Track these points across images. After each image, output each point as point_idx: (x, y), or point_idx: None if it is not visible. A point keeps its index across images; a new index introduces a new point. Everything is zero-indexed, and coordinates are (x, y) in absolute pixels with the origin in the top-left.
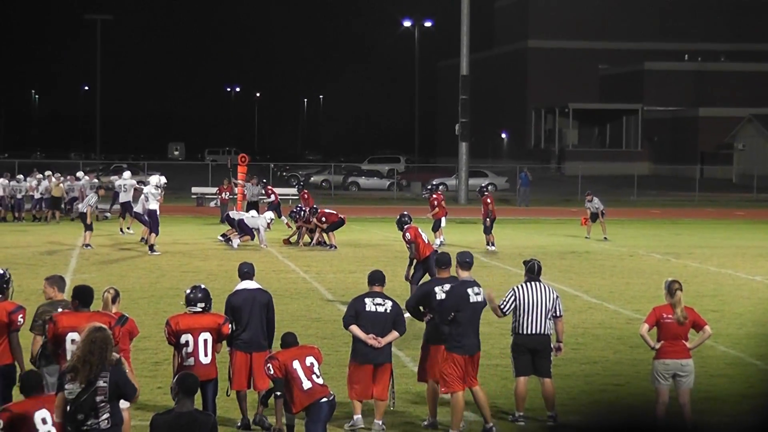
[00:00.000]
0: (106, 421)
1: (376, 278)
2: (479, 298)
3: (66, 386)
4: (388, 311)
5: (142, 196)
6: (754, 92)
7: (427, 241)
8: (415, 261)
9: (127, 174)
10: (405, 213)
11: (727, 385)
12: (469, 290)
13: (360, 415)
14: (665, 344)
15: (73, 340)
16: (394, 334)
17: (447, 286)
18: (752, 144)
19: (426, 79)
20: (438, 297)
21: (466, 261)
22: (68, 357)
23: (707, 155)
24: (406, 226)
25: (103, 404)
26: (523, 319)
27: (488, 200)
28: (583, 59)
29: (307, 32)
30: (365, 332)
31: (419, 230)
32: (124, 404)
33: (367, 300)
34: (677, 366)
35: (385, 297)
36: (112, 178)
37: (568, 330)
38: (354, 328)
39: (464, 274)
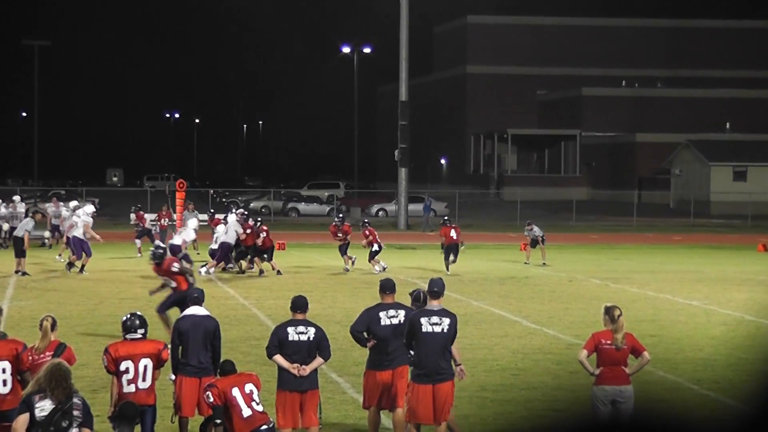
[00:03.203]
0: None
1: (298, 305)
2: (437, 329)
3: (36, 405)
4: (311, 338)
5: (74, 220)
6: (690, 118)
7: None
8: None
9: (73, 203)
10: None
11: (666, 410)
12: (423, 319)
13: None
14: (604, 370)
15: None
16: (319, 360)
17: (392, 311)
18: (689, 169)
19: (365, 105)
20: (382, 323)
21: (433, 290)
22: None
23: (645, 180)
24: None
25: (78, 418)
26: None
27: (366, 232)
28: (522, 85)
29: (245, 57)
30: (290, 361)
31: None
32: None
33: (290, 329)
34: (616, 392)
35: (308, 324)
36: (47, 205)
37: (507, 355)
38: (278, 357)
39: (432, 303)
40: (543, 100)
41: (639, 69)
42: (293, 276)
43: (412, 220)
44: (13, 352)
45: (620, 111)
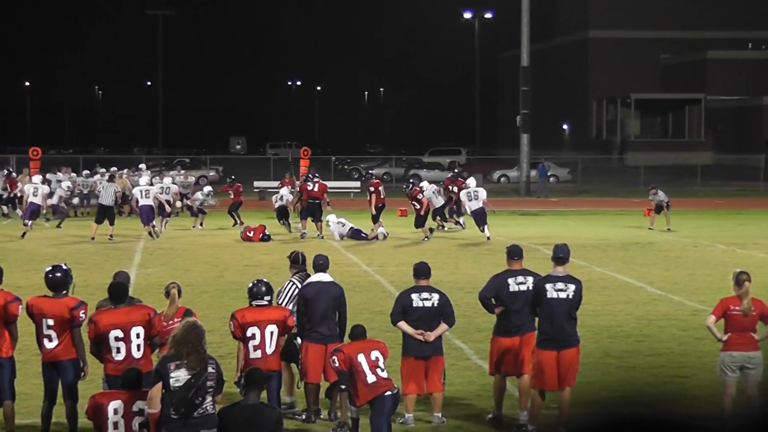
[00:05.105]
0: (212, 406)
1: (422, 271)
2: (562, 295)
3: (171, 374)
4: (435, 305)
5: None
6: None
7: None
8: None
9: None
10: None
11: None
12: (548, 285)
13: (411, 414)
14: (732, 336)
15: (116, 337)
16: (443, 326)
17: (520, 278)
18: None
19: (487, 71)
20: (510, 289)
21: (559, 256)
22: (113, 354)
23: None
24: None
25: (211, 389)
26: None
27: (371, 188)
28: (645, 49)
29: (365, 24)
30: (414, 327)
31: None
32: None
33: (414, 295)
34: (745, 358)
35: (431, 290)
36: (173, 173)
37: (632, 322)
38: (402, 324)
39: (557, 269)
40: (666, 63)
41: (765, 31)
42: (415, 242)
43: (534, 186)
44: (146, 317)
45: (746, 74)
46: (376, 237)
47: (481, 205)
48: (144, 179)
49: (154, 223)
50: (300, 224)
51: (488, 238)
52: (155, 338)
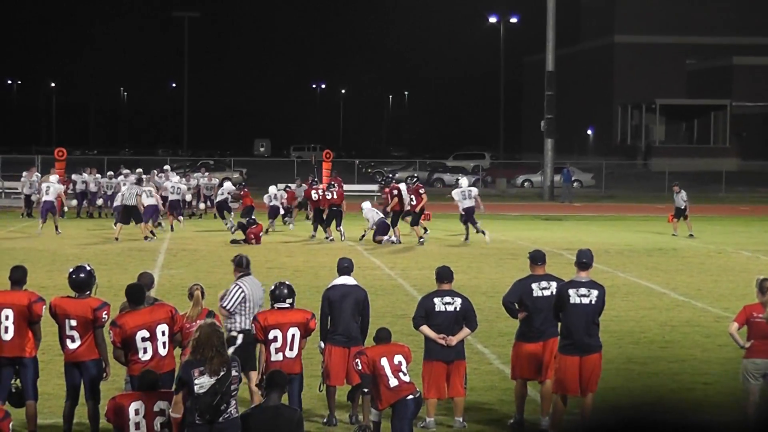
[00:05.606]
0: (235, 409)
1: (444, 275)
2: (585, 300)
3: (196, 381)
4: (458, 309)
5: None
6: None
7: None
8: None
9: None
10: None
11: None
12: (571, 291)
13: (433, 419)
14: (755, 343)
15: (143, 338)
16: (466, 331)
17: (544, 283)
18: None
19: (512, 75)
20: (534, 294)
21: (582, 262)
22: (140, 354)
23: None
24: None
25: (234, 392)
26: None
27: (395, 191)
28: (670, 54)
29: (391, 28)
30: (436, 331)
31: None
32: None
33: (436, 299)
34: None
35: (454, 294)
36: (197, 174)
37: (655, 328)
38: (424, 328)
39: (580, 274)
40: (692, 69)
41: None
42: (438, 246)
43: (558, 191)
44: (169, 314)
45: None
46: (389, 239)
47: (472, 204)
48: (152, 183)
49: (161, 222)
50: (291, 224)
51: (466, 238)
52: (177, 335)
